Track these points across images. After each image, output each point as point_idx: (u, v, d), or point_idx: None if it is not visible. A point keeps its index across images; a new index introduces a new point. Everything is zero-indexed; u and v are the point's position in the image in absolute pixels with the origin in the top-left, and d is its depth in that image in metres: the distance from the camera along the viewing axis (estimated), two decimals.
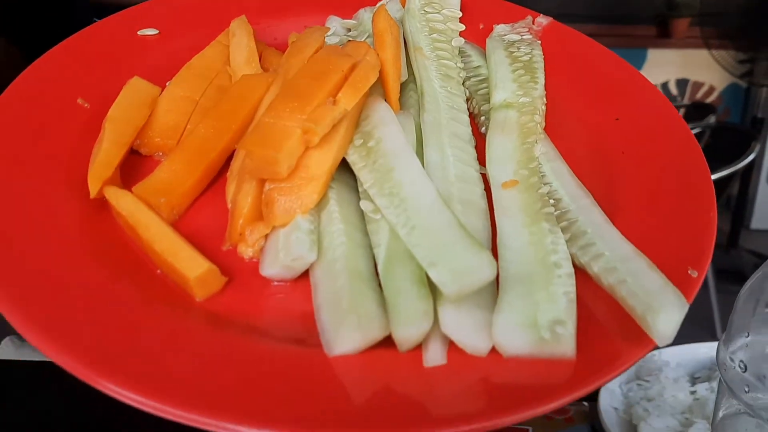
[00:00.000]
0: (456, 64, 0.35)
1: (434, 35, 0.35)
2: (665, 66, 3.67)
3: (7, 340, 0.81)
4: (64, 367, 0.21)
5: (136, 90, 0.30)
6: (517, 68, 0.34)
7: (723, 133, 2.62)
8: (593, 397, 0.55)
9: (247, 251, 0.27)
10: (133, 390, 0.20)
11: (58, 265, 0.24)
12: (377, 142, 0.28)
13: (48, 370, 0.57)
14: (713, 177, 1.35)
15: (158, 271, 0.26)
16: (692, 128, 1.89)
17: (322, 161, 0.26)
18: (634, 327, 0.23)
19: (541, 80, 0.34)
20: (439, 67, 0.34)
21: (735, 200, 3.13)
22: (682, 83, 3.71)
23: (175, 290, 0.25)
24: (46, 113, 0.29)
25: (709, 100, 3.70)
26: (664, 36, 3.58)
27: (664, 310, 0.22)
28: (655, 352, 0.65)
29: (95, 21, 0.62)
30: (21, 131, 0.28)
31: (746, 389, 0.26)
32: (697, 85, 3.70)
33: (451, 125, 0.31)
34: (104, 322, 0.23)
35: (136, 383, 0.20)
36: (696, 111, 2.97)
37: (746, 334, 0.26)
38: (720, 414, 0.28)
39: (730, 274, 2.94)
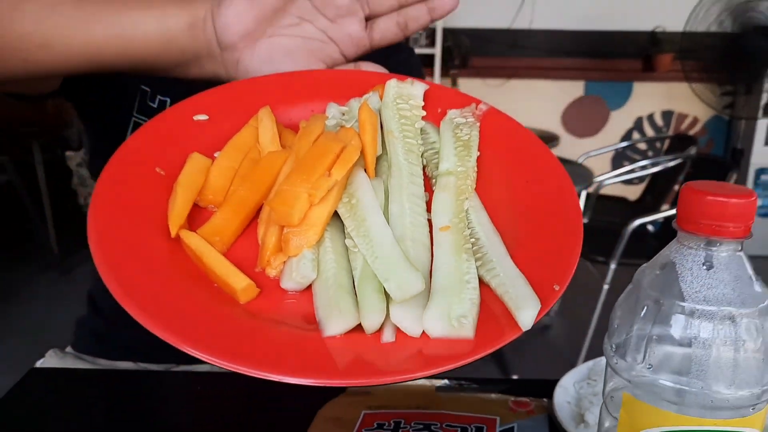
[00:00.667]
0: (417, 141, 0.49)
1: (402, 120, 0.50)
2: (650, 98, 3.84)
3: (50, 352, 0.94)
4: (162, 337, 0.35)
5: (195, 162, 0.45)
6: (458, 145, 0.49)
7: (703, 163, 2.75)
8: (550, 395, 0.68)
9: (271, 272, 0.41)
10: (201, 351, 0.34)
11: (155, 278, 0.38)
12: (357, 200, 0.42)
13: (87, 377, 0.69)
14: None
15: (215, 284, 0.40)
16: (675, 158, 2.03)
17: (321, 214, 0.41)
18: (512, 319, 0.38)
19: (474, 155, 0.49)
20: (404, 145, 0.48)
21: None
22: (667, 115, 3.87)
23: (226, 296, 0.40)
24: (137, 178, 0.44)
25: (694, 131, 3.86)
26: (648, 70, 3.76)
27: (525, 308, 0.37)
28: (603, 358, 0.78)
29: (142, 88, 0.77)
30: (124, 190, 0.42)
31: (615, 361, 0.39)
32: (682, 117, 3.86)
33: (410, 187, 0.45)
34: (184, 312, 0.37)
35: (204, 347, 0.35)
36: (679, 142, 3.10)
37: (615, 325, 0.40)
38: (608, 388, 0.42)
39: None
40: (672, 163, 2.85)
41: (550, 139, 3.05)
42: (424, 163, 0.50)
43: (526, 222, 0.44)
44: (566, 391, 0.69)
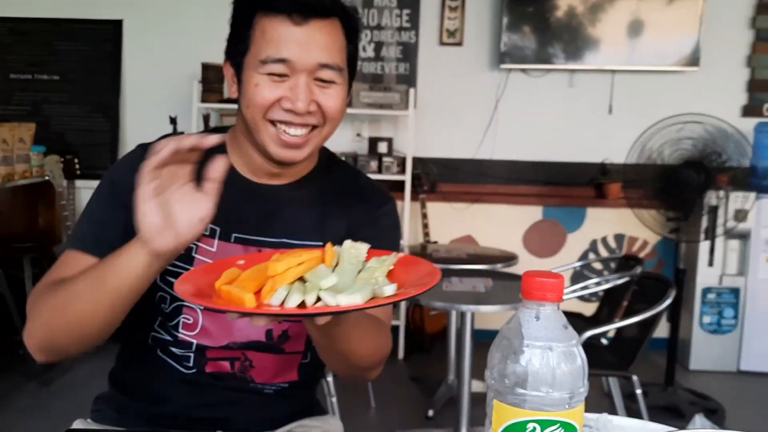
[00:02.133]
0: (356, 260, 0.84)
1: (351, 252, 0.85)
2: (603, 222, 4.20)
3: (77, 421, 1.15)
4: (206, 307, 0.71)
5: (232, 270, 0.82)
6: (381, 262, 0.84)
7: (647, 281, 2.98)
8: None
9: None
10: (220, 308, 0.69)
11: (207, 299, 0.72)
12: (316, 270, 0.76)
13: None
14: (641, 317, 1.86)
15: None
16: (621, 277, 2.30)
17: (295, 273, 0.77)
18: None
19: (388, 265, 0.84)
20: (349, 259, 0.84)
21: (667, 343, 3.50)
22: (619, 237, 4.23)
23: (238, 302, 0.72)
24: (205, 275, 0.82)
25: (644, 252, 4.20)
26: (600, 197, 4.14)
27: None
28: None
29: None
30: (197, 277, 0.81)
31: (491, 382, 0.62)
32: (633, 239, 4.22)
33: (347, 265, 0.80)
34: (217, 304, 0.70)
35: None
36: (626, 263, 3.39)
37: (491, 359, 0.62)
38: (487, 400, 0.63)
39: (666, 410, 3.26)
40: (620, 282, 3.12)
41: (509, 259, 3.32)
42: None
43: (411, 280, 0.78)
44: None
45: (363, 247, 0.86)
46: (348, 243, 0.86)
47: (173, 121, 3.95)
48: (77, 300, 0.94)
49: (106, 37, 4.24)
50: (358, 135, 4.20)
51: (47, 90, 4.29)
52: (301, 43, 1.01)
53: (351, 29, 1.09)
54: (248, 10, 1.05)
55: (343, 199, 1.19)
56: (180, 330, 1.12)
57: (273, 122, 1.05)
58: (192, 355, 1.12)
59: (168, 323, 1.13)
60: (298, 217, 1.15)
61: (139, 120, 4.28)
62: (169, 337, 1.13)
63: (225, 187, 1.08)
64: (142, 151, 1.09)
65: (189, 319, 1.12)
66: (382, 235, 1.15)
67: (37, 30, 4.26)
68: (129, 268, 0.89)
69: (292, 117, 1.04)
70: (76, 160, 3.75)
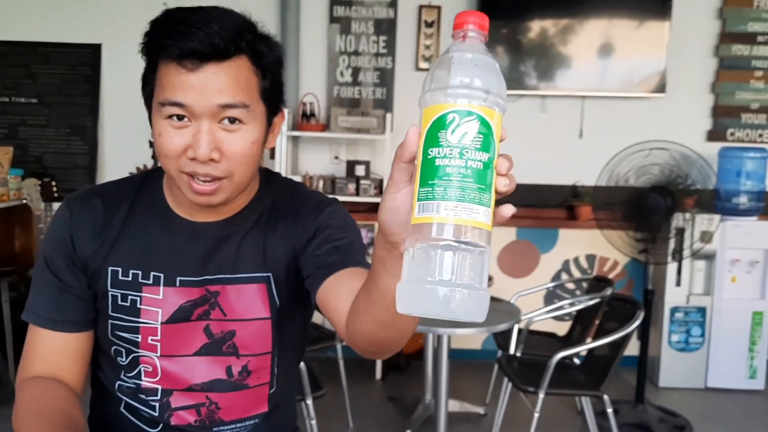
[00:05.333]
0: None
1: None
2: (575, 243, 4.31)
3: None
4: None
5: None
6: None
7: (616, 303, 3.07)
8: None
9: None
10: None
11: None
12: None
13: None
14: (612, 338, 1.95)
15: None
16: (593, 298, 2.39)
17: None
18: None
19: None
20: None
21: (638, 361, 3.60)
22: (590, 258, 4.34)
23: None
24: None
25: (615, 273, 4.31)
26: (572, 219, 4.23)
27: None
28: None
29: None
30: None
31: (422, 99, 0.64)
32: (604, 260, 4.33)
33: None
34: None
35: None
36: (597, 283, 3.48)
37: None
38: None
39: (636, 427, 3.35)
40: (591, 303, 3.22)
41: None
42: None
43: None
44: None
45: None
46: None
47: (152, 144, 3.98)
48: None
49: (84, 60, 4.27)
50: (336, 158, 4.27)
51: (24, 113, 4.29)
52: (196, 89, 0.96)
53: (263, 63, 1.02)
54: (152, 53, 1.01)
55: (281, 221, 1.15)
56: (143, 378, 1.13)
57: (185, 173, 1.01)
58: (157, 404, 1.13)
59: (128, 374, 1.13)
60: (238, 251, 1.12)
61: (118, 143, 4.30)
62: (133, 385, 1.13)
63: (165, 229, 1.12)
64: (68, 213, 1.11)
65: (149, 368, 1.12)
66: (332, 230, 1.11)
67: (14, 53, 4.26)
68: None
69: (196, 167, 0.99)
70: (53, 183, 3.75)
